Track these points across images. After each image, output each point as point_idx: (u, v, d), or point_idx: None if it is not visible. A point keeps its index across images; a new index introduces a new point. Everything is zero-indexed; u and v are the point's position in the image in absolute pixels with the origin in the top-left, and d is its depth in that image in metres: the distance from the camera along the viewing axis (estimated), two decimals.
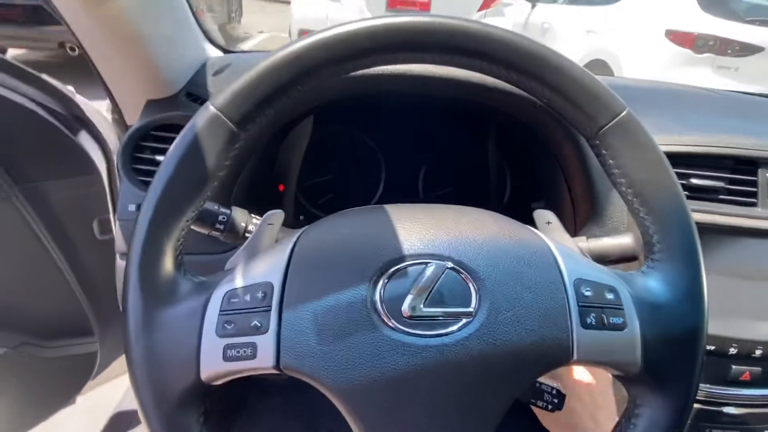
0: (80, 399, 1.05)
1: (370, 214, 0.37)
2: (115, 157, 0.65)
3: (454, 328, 0.30)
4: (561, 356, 0.31)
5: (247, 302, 0.31)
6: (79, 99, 0.81)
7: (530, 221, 0.73)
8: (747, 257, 0.64)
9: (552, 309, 0.31)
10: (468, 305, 0.31)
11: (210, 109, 0.32)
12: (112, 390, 1.14)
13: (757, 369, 0.63)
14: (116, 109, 0.73)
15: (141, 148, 0.65)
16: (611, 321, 0.32)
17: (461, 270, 0.32)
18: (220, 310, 0.31)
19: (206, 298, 0.32)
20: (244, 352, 0.30)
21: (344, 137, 0.80)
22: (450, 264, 0.31)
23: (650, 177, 0.33)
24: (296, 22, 3.32)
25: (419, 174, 0.82)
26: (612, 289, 0.33)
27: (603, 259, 0.47)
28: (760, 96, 0.91)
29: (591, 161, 0.63)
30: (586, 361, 0.32)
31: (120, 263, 0.67)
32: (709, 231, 0.62)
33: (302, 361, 0.29)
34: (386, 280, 0.31)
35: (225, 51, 0.81)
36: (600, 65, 3.07)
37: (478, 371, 0.30)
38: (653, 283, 0.34)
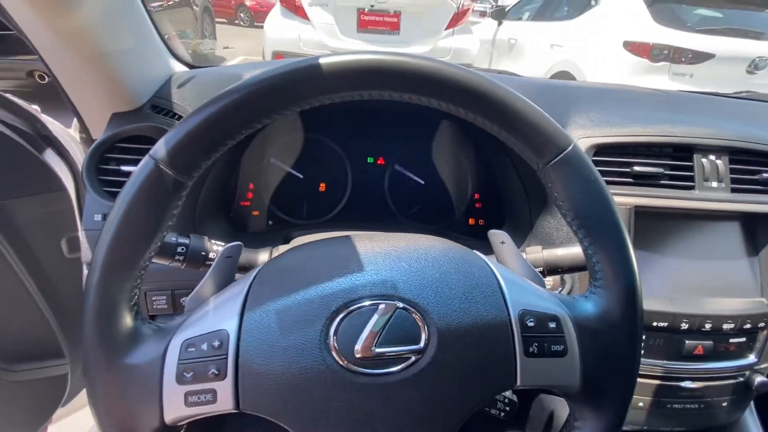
0: (51, 428, 1.01)
1: (324, 251, 0.38)
2: (80, 171, 0.66)
3: (404, 365, 0.32)
4: (505, 383, 0.34)
5: (203, 351, 0.32)
6: (45, 118, 0.82)
7: (491, 217, 0.75)
8: (689, 237, 0.69)
9: (497, 341, 0.34)
10: (418, 342, 0.32)
11: (151, 162, 0.32)
12: (85, 416, 1.10)
13: (709, 342, 0.67)
14: (83, 127, 0.74)
15: (106, 160, 0.66)
16: (553, 349, 0.34)
17: (411, 309, 0.33)
18: (179, 359, 0.32)
19: (164, 346, 0.32)
20: (205, 397, 0.31)
21: (309, 140, 0.81)
22: (400, 304, 0.33)
23: (593, 210, 0.35)
24: (269, 44, 3.37)
25: (384, 177, 0.83)
26: (554, 318, 0.35)
27: (556, 268, 0.51)
28: (697, 93, 0.98)
29: None
30: (530, 386, 0.34)
31: (87, 274, 0.66)
32: (653, 214, 0.67)
33: (261, 403, 0.31)
34: (339, 322, 0.32)
35: (191, 67, 0.83)
36: (565, 76, 3.21)
37: (428, 405, 0.32)
38: (593, 309, 0.36)
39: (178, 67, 0.81)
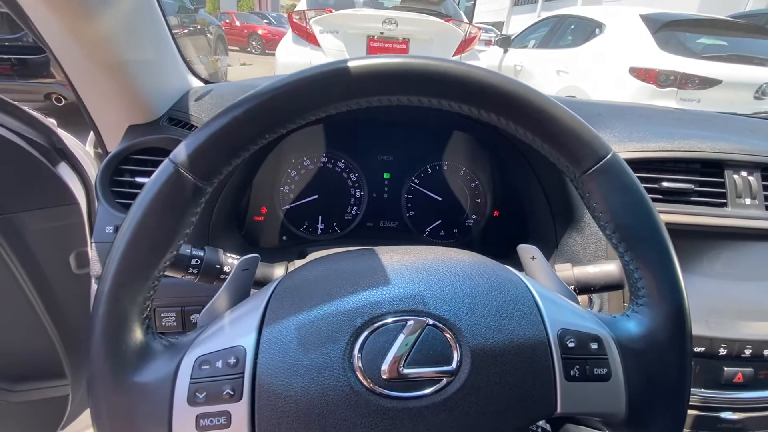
0: None
1: (347, 263, 0.36)
2: (94, 183, 0.64)
3: (436, 388, 0.29)
4: (545, 410, 0.31)
5: (218, 369, 0.29)
6: (61, 132, 0.82)
7: (513, 234, 0.73)
8: (723, 257, 0.65)
9: (535, 363, 0.31)
10: (449, 363, 0.30)
11: (171, 166, 0.31)
12: None
13: (749, 370, 0.62)
14: (99, 140, 0.74)
15: (121, 172, 0.65)
16: (595, 372, 0.32)
17: (442, 326, 0.31)
18: (191, 378, 0.29)
19: (176, 363, 0.30)
20: (218, 420, 0.28)
21: (324, 155, 0.81)
22: (430, 320, 0.31)
23: (635, 222, 0.33)
24: (281, 68, 3.45)
25: (401, 192, 0.82)
26: (596, 339, 0.32)
27: (588, 287, 0.48)
28: (718, 113, 0.96)
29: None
30: (571, 413, 0.31)
31: (95, 288, 0.64)
32: (684, 232, 0.64)
33: (279, 427, 0.28)
34: (365, 339, 0.30)
35: (207, 83, 0.83)
36: None
37: None
38: (637, 328, 0.34)
39: (196, 83, 0.81)
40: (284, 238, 0.80)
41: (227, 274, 0.46)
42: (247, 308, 0.34)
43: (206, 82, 0.83)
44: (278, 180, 0.80)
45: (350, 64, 0.31)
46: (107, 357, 0.30)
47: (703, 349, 0.61)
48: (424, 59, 0.32)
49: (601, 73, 3.13)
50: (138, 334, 0.31)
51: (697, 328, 0.62)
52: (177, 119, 0.68)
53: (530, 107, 0.32)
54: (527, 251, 0.43)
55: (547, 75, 3.61)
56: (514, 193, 0.79)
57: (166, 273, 0.33)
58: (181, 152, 0.31)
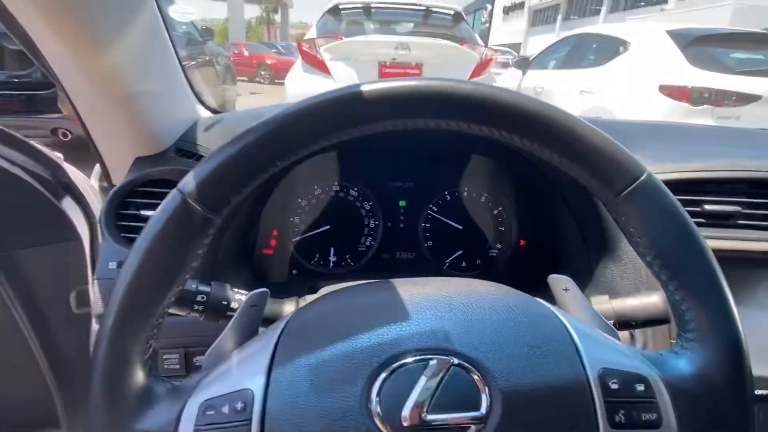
0: None
1: (362, 298, 0.36)
2: (98, 217, 0.66)
3: None
4: None
5: (224, 415, 0.29)
6: (66, 166, 0.85)
7: (542, 265, 0.72)
8: None
9: (575, 407, 0.30)
10: (478, 408, 0.29)
11: (179, 196, 0.31)
12: None
13: None
14: (105, 173, 0.76)
15: (126, 205, 0.67)
16: (644, 418, 0.30)
17: (468, 366, 0.30)
18: (195, 425, 0.29)
19: (179, 409, 0.30)
20: None
21: (336, 184, 0.82)
22: (455, 360, 0.30)
23: (678, 246, 0.32)
24: (290, 98, 3.57)
25: (418, 221, 0.82)
26: (642, 380, 0.31)
27: (629, 322, 0.46)
28: (760, 129, 0.95)
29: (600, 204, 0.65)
30: None
31: (96, 327, 0.65)
32: (731, 259, 0.61)
33: None
34: (383, 382, 0.29)
35: (216, 113, 0.86)
36: None
37: None
38: (688, 367, 0.32)
39: (204, 113, 0.84)
40: (294, 272, 0.80)
41: (234, 311, 0.46)
42: (255, 348, 0.34)
43: (215, 112, 0.86)
44: (288, 211, 0.81)
45: (364, 88, 0.32)
46: (109, 402, 0.30)
47: (765, 392, 0.58)
48: (439, 81, 0.32)
49: (629, 93, 3.14)
50: (140, 377, 0.31)
51: (757, 368, 0.58)
52: (185, 150, 0.71)
53: (555, 126, 0.32)
54: (559, 282, 0.43)
55: (569, 96, 3.64)
56: (541, 220, 0.79)
57: (170, 310, 0.33)
58: (189, 182, 0.31)
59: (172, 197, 0.31)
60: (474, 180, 0.82)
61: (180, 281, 0.32)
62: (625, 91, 3.18)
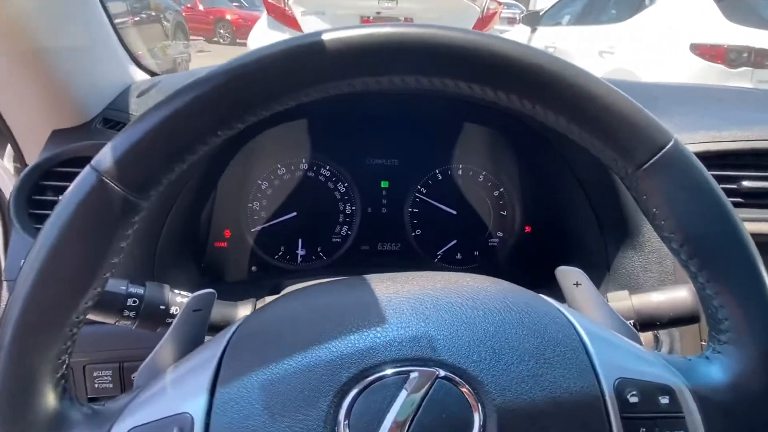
0: None
1: (329, 298, 0.36)
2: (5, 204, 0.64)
3: None
4: None
5: None
6: None
7: (550, 255, 0.72)
8: None
9: (586, 425, 0.29)
10: (469, 429, 0.28)
11: (94, 174, 0.29)
12: None
13: None
14: (16, 150, 0.74)
15: (42, 189, 0.65)
16: None
17: (457, 378, 0.29)
18: None
19: None
20: None
21: (304, 160, 0.81)
22: (441, 371, 0.29)
23: (711, 230, 0.31)
24: None
25: (404, 206, 0.82)
26: (667, 391, 0.31)
27: (652, 321, 0.46)
28: None
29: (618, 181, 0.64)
30: None
31: None
32: None
33: None
34: (354, 400, 0.29)
35: (154, 75, 0.84)
36: None
37: None
38: (721, 374, 0.32)
39: (140, 76, 0.81)
40: (254, 269, 0.79)
41: (174, 317, 0.45)
42: (196, 361, 0.33)
43: (154, 74, 0.84)
44: (246, 194, 0.80)
45: (328, 36, 0.30)
46: (9, 427, 0.29)
47: None
48: (422, 27, 0.31)
49: (655, 53, 3.16)
50: (50, 400, 0.30)
51: None
52: (114, 120, 0.69)
53: (562, 84, 0.31)
54: (569, 275, 0.43)
55: (587, 56, 3.66)
56: (549, 202, 0.79)
57: (93, 318, 0.33)
58: (106, 156, 0.29)
59: (84, 176, 0.30)
60: (470, 155, 0.82)
61: (97, 282, 0.31)
62: (651, 51, 3.20)
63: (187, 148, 0.31)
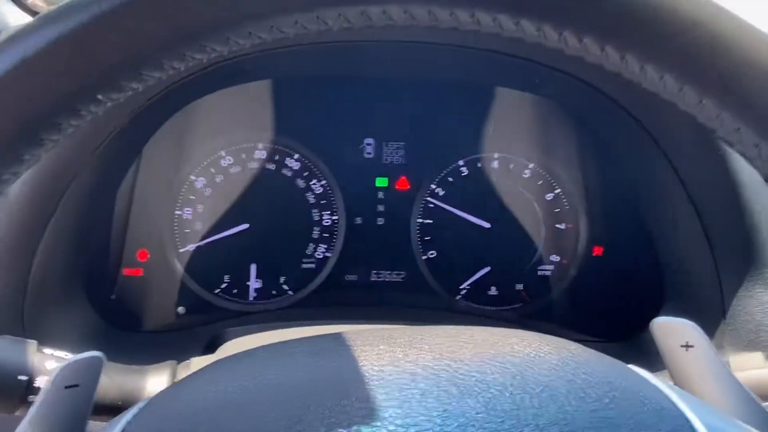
0: None
1: (293, 371, 0.36)
2: None
3: None
4: None
5: None
6: None
7: (634, 294, 0.69)
8: None
9: None
10: None
11: None
12: None
13: None
14: None
15: None
16: None
17: None
18: None
19: None
20: None
21: (263, 148, 0.80)
22: None
23: None
24: None
25: (411, 215, 0.80)
26: None
27: None
28: None
29: (739, 165, 0.64)
30: None
31: None
32: None
33: None
34: None
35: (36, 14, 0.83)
36: None
37: None
38: None
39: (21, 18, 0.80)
40: (182, 310, 0.79)
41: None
42: None
43: (35, 13, 0.82)
44: (172, 196, 0.79)
45: None
46: None
47: None
48: None
49: None
50: None
51: None
52: None
53: (673, 18, 0.30)
54: (674, 331, 0.44)
55: None
56: (633, 211, 0.77)
57: None
58: None
59: None
60: (508, 138, 0.81)
61: None
62: None
63: (48, 121, 0.30)
